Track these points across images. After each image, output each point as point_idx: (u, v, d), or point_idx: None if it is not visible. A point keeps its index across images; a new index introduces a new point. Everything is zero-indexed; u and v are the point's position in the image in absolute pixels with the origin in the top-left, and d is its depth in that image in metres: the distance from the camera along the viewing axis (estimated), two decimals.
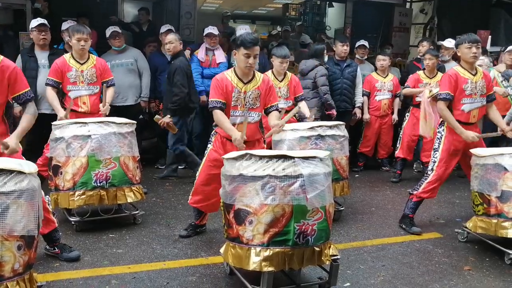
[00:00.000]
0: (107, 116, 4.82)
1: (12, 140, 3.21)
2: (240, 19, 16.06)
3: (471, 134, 4.38)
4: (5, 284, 2.64)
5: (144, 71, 6.30)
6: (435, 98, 4.99)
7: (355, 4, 10.06)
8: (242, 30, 6.65)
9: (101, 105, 4.87)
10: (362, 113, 6.88)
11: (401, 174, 6.65)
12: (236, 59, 3.84)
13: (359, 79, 6.72)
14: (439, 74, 6.32)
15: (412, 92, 6.33)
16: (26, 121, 3.36)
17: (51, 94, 4.80)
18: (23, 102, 3.36)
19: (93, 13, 7.68)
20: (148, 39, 7.31)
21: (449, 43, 7.02)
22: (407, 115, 6.58)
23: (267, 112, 3.96)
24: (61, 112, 4.69)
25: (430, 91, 5.70)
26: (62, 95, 4.95)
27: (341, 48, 6.49)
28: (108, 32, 6.17)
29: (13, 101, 3.54)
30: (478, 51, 4.42)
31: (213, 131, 4.05)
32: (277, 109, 3.94)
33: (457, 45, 4.55)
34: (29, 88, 3.39)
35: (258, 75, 3.93)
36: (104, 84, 4.93)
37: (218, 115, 3.77)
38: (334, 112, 6.07)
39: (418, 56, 7.27)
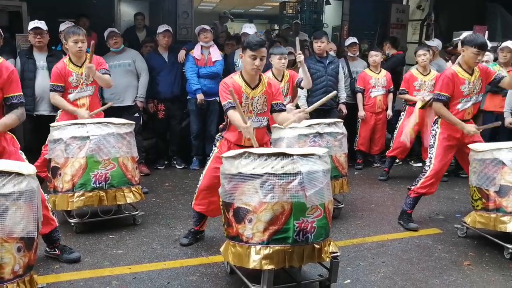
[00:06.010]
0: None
1: None
2: (237, 18, 16.09)
3: (471, 129, 4.38)
4: (5, 286, 2.65)
5: (143, 72, 6.27)
6: (429, 106, 4.99)
7: (352, 1, 10.07)
8: (247, 28, 6.62)
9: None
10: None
11: (389, 172, 6.57)
12: (243, 61, 3.74)
13: (341, 75, 6.56)
14: (433, 72, 6.32)
15: (408, 99, 6.33)
16: (9, 118, 3.27)
17: (59, 99, 4.75)
18: (10, 105, 3.28)
19: (89, 14, 7.66)
20: (144, 39, 7.32)
21: (432, 42, 7.19)
22: (403, 114, 6.49)
23: (272, 110, 3.80)
24: (82, 112, 4.70)
25: (423, 101, 5.77)
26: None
27: (315, 45, 6.25)
28: (106, 33, 6.18)
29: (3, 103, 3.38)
30: (482, 57, 4.38)
31: (219, 134, 3.92)
32: (283, 109, 3.82)
33: (463, 44, 4.43)
34: (21, 93, 3.34)
35: (264, 78, 3.82)
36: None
37: (235, 114, 3.58)
38: None
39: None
